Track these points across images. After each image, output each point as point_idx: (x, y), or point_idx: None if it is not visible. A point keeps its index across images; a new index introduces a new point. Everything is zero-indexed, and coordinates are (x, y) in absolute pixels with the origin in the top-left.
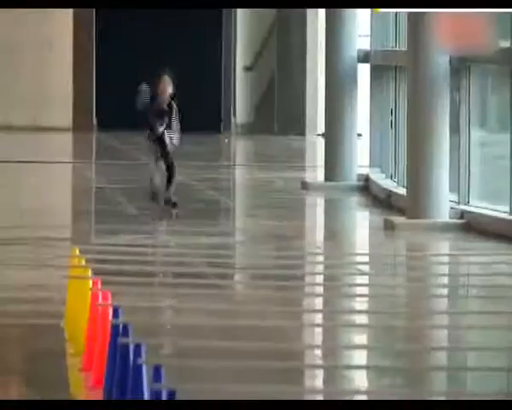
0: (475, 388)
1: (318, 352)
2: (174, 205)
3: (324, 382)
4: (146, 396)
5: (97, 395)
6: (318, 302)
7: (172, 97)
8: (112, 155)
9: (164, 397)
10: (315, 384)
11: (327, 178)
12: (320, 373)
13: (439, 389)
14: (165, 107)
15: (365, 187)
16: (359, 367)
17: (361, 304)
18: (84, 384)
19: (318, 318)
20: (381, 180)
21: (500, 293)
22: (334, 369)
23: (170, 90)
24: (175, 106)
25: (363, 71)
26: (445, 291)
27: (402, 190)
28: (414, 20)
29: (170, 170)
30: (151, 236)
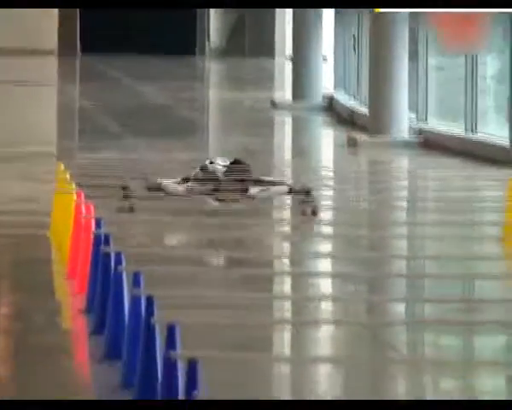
0: (432, 294)
1: (286, 261)
2: None
3: (292, 288)
4: (126, 302)
5: (80, 300)
6: (286, 213)
7: None
8: (96, 77)
9: (143, 303)
10: (283, 290)
11: (294, 98)
12: (288, 280)
13: (398, 296)
14: None
15: (330, 107)
16: (325, 275)
17: (326, 215)
18: (68, 290)
19: (286, 229)
20: (345, 100)
21: (455, 206)
22: (301, 276)
23: None
24: None
25: None
26: (404, 204)
27: (364, 109)
28: None
29: None
30: (132, 152)
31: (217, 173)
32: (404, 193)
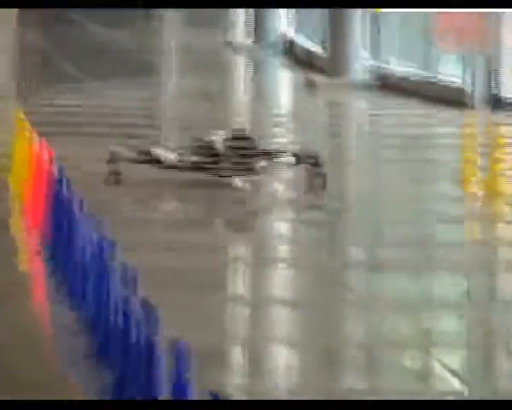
0: (387, 216)
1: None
2: None
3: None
4: (87, 247)
5: (35, 234)
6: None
7: None
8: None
9: (102, 245)
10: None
11: (254, 41)
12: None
13: (356, 238)
14: None
15: (289, 49)
16: (283, 219)
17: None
18: (23, 226)
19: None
20: (303, 42)
21: (410, 142)
22: (259, 217)
23: None
24: None
25: None
26: (361, 143)
27: (322, 52)
28: None
29: None
30: (90, 94)
31: (216, 145)
32: (361, 133)
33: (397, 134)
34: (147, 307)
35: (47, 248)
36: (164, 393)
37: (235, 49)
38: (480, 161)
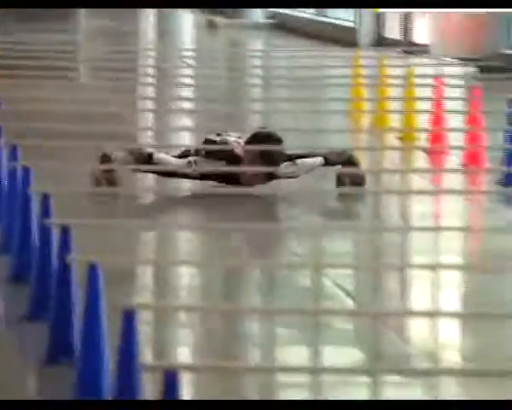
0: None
1: (150, 133)
2: None
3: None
4: (2, 174)
5: None
6: (151, 91)
7: None
8: None
9: (19, 174)
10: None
11: None
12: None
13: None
14: None
15: None
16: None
17: (188, 92)
18: None
19: (150, 104)
20: None
21: (307, 82)
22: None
23: None
24: None
25: None
26: (259, 81)
27: None
28: None
29: None
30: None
31: (230, 144)
32: (258, 71)
33: (291, 69)
34: (62, 230)
35: None
36: (77, 310)
37: None
38: (368, 97)
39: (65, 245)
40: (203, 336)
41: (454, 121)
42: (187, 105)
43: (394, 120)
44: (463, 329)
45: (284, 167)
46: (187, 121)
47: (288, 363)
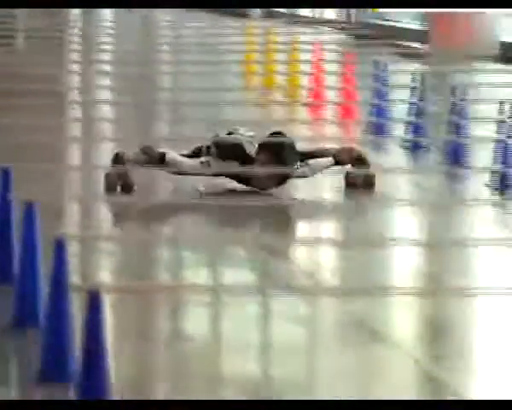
0: (185, 98)
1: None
2: None
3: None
4: None
5: None
6: (77, 56)
7: None
8: None
9: None
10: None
11: None
12: (78, 108)
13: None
14: None
15: None
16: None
17: (106, 56)
18: None
19: (76, 67)
20: None
21: (206, 48)
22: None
23: None
24: None
25: None
26: (165, 47)
27: None
28: None
29: None
30: None
31: (243, 145)
32: (166, 39)
33: (194, 40)
34: (3, 171)
35: None
36: (16, 243)
37: None
38: (259, 60)
39: (6, 185)
40: (122, 261)
41: (331, 80)
42: (106, 67)
43: (281, 80)
44: (340, 256)
45: (296, 168)
46: (106, 81)
47: (193, 283)
